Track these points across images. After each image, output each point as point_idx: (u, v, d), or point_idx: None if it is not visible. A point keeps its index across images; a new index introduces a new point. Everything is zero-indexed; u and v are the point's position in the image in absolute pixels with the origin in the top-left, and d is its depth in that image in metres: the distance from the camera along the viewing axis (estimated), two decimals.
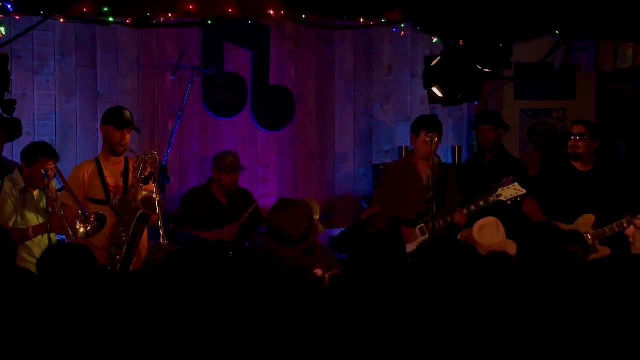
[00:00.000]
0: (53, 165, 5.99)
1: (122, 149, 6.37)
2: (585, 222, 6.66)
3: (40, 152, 6.05)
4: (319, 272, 4.70)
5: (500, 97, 8.37)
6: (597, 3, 6.33)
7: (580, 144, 6.87)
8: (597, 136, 6.93)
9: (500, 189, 6.48)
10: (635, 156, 8.23)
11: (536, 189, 6.92)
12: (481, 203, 6.48)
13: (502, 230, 5.79)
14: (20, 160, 6.14)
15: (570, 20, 6.46)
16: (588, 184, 6.82)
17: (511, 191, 6.46)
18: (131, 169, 6.42)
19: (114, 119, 6.37)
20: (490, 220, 5.89)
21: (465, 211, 6.51)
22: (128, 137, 6.40)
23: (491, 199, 6.46)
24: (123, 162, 6.46)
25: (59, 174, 6.07)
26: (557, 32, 6.93)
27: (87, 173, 6.40)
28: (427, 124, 6.73)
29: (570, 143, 6.92)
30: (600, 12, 6.34)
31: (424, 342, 3.44)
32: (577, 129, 6.93)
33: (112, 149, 6.39)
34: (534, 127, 8.50)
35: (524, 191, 6.45)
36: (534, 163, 8.17)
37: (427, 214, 6.41)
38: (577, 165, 6.90)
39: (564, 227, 6.69)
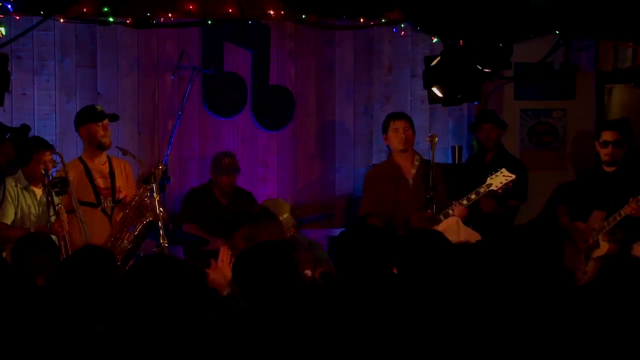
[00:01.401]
0: (50, 157, 6.01)
1: (108, 140, 6.40)
2: (595, 219, 6.65)
3: (33, 147, 6.05)
4: (308, 272, 4.71)
5: (500, 97, 8.36)
6: (597, 3, 6.33)
7: (617, 151, 6.75)
8: (629, 139, 6.86)
9: (489, 179, 6.44)
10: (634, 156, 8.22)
11: (571, 196, 6.92)
12: (473, 196, 6.41)
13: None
14: (13, 163, 6.13)
15: (570, 20, 6.47)
16: (612, 184, 6.77)
17: (500, 178, 6.42)
18: (116, 169, 6.42)
19: (90, 115, 6.44)
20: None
21: (465, 202, 6.41)
22: (109, 128, 6.43)
23: (482, 190, 6.41)
24: (107, 162, 6.46)
25: (70, 188, 6.00)
26: (557, 32, 6.93)
27: (75, 175, 6.37)
28: (392, 115, 6.96)
29: (605, 151, 6.79)
30: (600, 12, 6.34)
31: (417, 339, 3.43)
32: (611, 136, 6.79)
33: (98, 144, 6.40)
34: (534, 127, 8.49)
35: (513, 176, 6.41)
36: (534, 163, 8.16)
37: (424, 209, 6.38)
38: (606, 167, 6.87)
39: (581, 225, 6.70)
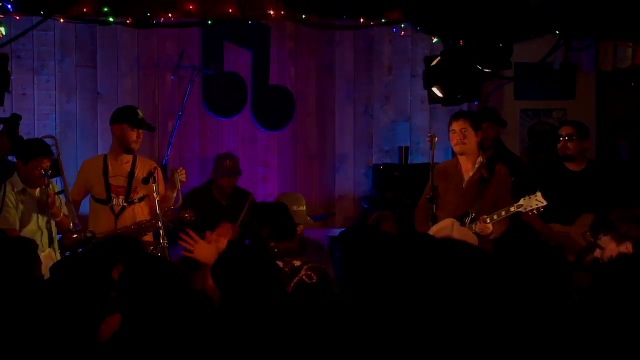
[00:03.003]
0: (48, 164, 5.98)
1: (137, 147, 6.38)
2: (584, 222, 6.64)
3: (37, 151, 6.02)
4: (296, 262, 4.71)
5: (500, 97, 8.37)
6: (597, 3, 6.33)
7: (569, 144, 6.80)
8: (585, 135, 6.88)
9: (522, 199, 6.27)
10: (636, 155, 8.22)
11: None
12: (503, 213, 6.16)
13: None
14: (16, 159, 6.11)
15: (570, 20, 6.46)
16: (581, 184, 6.79)
17: (532, 202, 6.18)
18: (139, 170, 6.40)
19: (130, 118, 6.35)
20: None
21: (488, 220, 6.14)
22: (141, 136, 6.42)
23: (512, 209, 6.16)
24: (131, 162, 6.43)
25: (61, 178, 6.01)
26: (557, 32, 6.92)
27: (92, 170, 6.40)
28: (452, 115, 6.51)
29: (559, 145, 6.86)
30: (600, 12, 6.33)
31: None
32: (565, 130, 6.84)
33: (127, 147, 6.35)
34: (534, 127, 8.50)
35: (545, 202, 6.24)
36: (534, 163, 8.16)
37: (463, 217, 6.24)
38: (570, 165, 6.87)
39: (562, 228, 6.69)
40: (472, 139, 6.37)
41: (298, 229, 5.70)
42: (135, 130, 6.33)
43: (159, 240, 5.74)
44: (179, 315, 3.54)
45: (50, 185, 6.01)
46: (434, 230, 5.78)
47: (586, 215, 6.65)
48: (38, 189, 6.14)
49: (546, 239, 6.41)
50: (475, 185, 6.34)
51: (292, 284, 4.57)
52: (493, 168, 6.44)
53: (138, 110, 6.44)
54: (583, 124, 7.02)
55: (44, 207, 5.90)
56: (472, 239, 5.60)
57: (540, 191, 6.21)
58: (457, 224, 5.84)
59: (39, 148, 6.07)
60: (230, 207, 7.32)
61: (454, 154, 6.67)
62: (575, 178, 6.83)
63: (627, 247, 4.95)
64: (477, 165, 6.40)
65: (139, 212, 6.38)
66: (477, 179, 6.36)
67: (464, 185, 6.38)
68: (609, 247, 4.98)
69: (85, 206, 6.50)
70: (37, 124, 7.65)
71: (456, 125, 6.38)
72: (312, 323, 3.49)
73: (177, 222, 6.35)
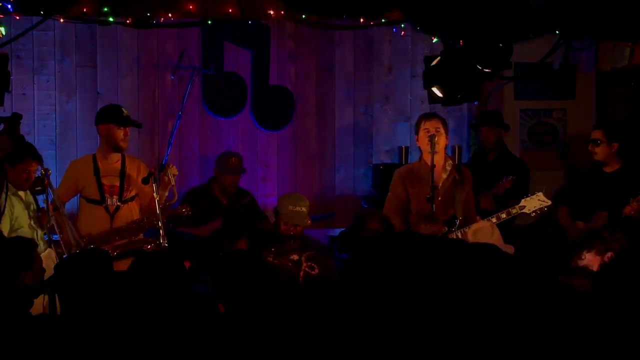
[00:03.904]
0: (36, 167, 5.97)
1: (126, 145, 6.39)
2: (599, 218, 6.62)
3: (26, 153, 6.01)
4: (294, 257, 4.75)
5: (500, 97, 8.36)
6: (597, 3, 6.33)
7: (596, 149, 6.81)
8: (614, 137, 6.84)
9: (523, 200, 6.16)
10: (631, 155, 8.21)
11: (570, 196, 6.88)
12: (503, 215, 6.18)
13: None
14: (3, 161, 6.08)
15: (570, 20, 6.46)
16: (612, 184, 6.77)
17: (535, 202, 6.13)
18: (129, 168, 6.42)
19: (116, 117, 6.35)
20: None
21: (494, 220, 6.16)
22: (129, 134, 6.43)
23: (513, 211, 6.17)
24: (120, 161, 6.44)
25: (50, 187, 5.98)
26: (557, 32, 6.93)
27: (83, 171, 6.39)
28: (424, 115, 6.61)
29: (589, 148, 6.88)
30: (600, 12, 6.34)
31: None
32: (593, 135, 6.87)
33: (115, 146, 6.36)
34: (534, 127, 8.50)
35: (549, 202, 6.16)
36: (534, 163, 8.16)
37: (450, 222, 6.19)
38: (604, 166, 6.86)
39: (583, 225, 6.68)
40: (443, 141, 6.41)
41: (297, 229, 5.75)
42: (122, 128, 6.34)
43: (160, 241, 5.75)
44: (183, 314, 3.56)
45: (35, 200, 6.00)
46: (472, 230, 5.73)
47: (600, 212, 6.63)
48: (25, 192, 6.14)
49: (572, 237, 6.44)
50: (450, 188, 6.34)
51: (300, 279, 4.65)
52: (461, 170, 6.47)
53: (123, 109, 6.45)
54: (614, 125, 6.99)
55: (42, 221, 5.89)
56: (508, 247, 5.55)
57: (542, 191, 6.18)
58: (496, 229, 5.78)
59: (27, 150, 6.06)
60: (231, 207, 7.32)
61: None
62: (607, 179, 6.81)
63: (608, 258, 4.94)
64: (448, 168, 6.42)
65: (133, 210, 6.40)
66: (452, 182, 6.36)
67: (439, 189, 6.35)
68: (594, 263, 4.96)
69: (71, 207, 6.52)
70: (37, 124, 7.65)
71: (430, 125, 6.43)
72: (322, 314, 3.52)
73: (174, 217, 6.38)
